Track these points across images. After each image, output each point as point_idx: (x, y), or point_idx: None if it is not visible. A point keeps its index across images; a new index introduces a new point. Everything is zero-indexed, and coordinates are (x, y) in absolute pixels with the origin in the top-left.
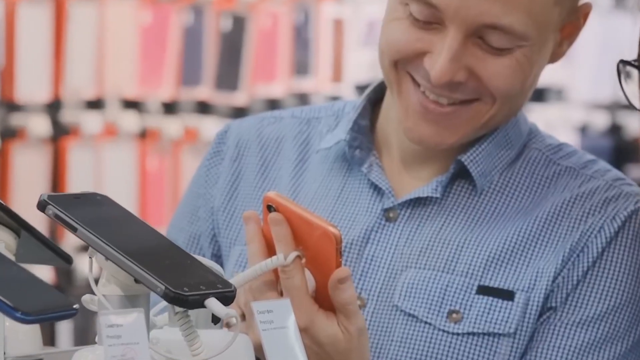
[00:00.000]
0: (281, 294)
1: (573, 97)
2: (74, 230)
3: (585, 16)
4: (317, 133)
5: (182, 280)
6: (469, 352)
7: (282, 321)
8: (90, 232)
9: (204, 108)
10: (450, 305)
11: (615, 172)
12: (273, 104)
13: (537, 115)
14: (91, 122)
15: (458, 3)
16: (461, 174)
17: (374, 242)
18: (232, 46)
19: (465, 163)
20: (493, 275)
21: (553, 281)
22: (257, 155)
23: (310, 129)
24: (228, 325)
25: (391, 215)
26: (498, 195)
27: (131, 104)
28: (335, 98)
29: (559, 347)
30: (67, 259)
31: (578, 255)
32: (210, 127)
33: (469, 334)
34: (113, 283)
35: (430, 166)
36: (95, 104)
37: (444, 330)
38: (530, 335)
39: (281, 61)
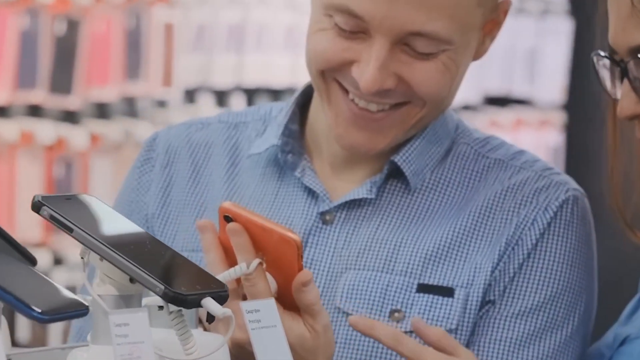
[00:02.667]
0: (244, 299)
1: None
2: (69, 231)
3: (505, 12)
4: (245, 138)
5: (179, 280)
6: None
7: (269, 320)
8: (87, 233)
9: (38, 111)
10: (392, 304)
11: (543, 162)
12: (104, 108)
13: None
14: None
15: (383, 13)
16: (393, 174)
17: (313, 246)
18: (66, 50)
19: (399, 163)
20: (432, 273)
21: (491, 275)
22: (187, 161)
23: (239, 133)
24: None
25: (327, 218)
26: (431, 193)
27: None
28: (163, 103)
29: (499, 340)
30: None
31: (513, 248)
32: (44, 131)
33: (411, 332)
34: (108, 283)
35: (361, 168)
36: None
37: None
38: (472, 329)
39: (114, 65)
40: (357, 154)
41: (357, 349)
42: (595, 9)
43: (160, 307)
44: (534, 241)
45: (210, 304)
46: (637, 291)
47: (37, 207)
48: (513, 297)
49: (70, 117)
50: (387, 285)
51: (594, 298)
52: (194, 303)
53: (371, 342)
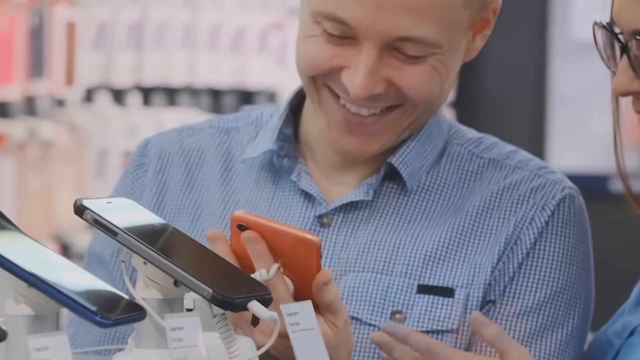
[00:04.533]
0: None
1: (285, 99)
2: (114, 234)
3: (495, 12)
4: (237, 143)
5: (224, 283)
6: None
7: (307, 323)
8: (133, 237)
9: None
10: (393, 306)
11: (537, 161)
12: (7, 107)
13: None
14: None
15: (370, 20)
16: (389, 175)
17: None
18: None
19: (395, 165)
20: (431, 273)
21: (491, 275)
22: (180, 166)
23: (230, 139)
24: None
25: (325, 221)
26: (427, 194)
27: None
28: (62, 102)
29: None
30: None
31: (512, 248)
32: None
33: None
34: (152, 287)
35: (356, 170)
36: None
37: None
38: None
39: (17, 64)
40: (350, 158)
41: (360, 352)
42: None
43: (188, 310)
44: (532, 240)
45: (256, 307)
46: None
47: (80, 210)
48: (513, 297)
49: None
50: (388, 287)
51: (592, 295)
52: (241, 306)
53: (374, 344)
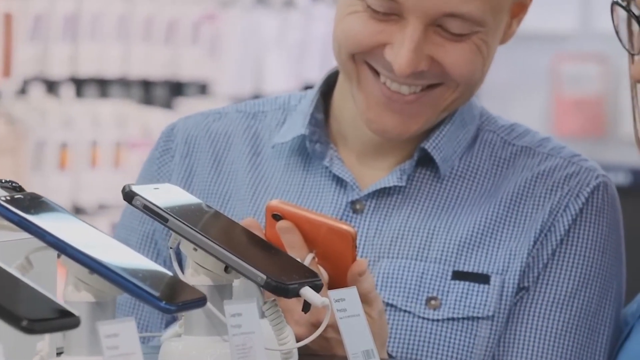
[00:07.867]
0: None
1: (217, 91)
2: (164, 220)
3: None
4: (265, 127)
5: (276, 269)
6: (449, 338)
7: (354, 309)
8: (184, 223)
9: None
10: (428, 292)
11: (569, 149)
12: None
13: (186, 110)
14: None
15: None
16: (421, 161)
17: None
18: None
19: (429, 150)
20: (466, 260)
21: (526, 261)
22: (208, 151)
23: (258, 123)
24: None
25: (357, 207)
26: (460, 180)
27: None
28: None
29: (536, 328)
30: None
31: (546, 235)
32: None
33: (448, 319)
34: (202, 273)
35: (389, 155)
36: None
37: (423, 318)
38: (509, 316)
39: None
40: (388, 138)
41: (395, 338)
42: None
43: None
44: (566, 227)
45: (309, 293)
46: None
47: (129, 197)
48: (547, 284)
49: None
50: (422, 273)
51: (623, 284)
52: (294, 292)
53: (409, 330)
